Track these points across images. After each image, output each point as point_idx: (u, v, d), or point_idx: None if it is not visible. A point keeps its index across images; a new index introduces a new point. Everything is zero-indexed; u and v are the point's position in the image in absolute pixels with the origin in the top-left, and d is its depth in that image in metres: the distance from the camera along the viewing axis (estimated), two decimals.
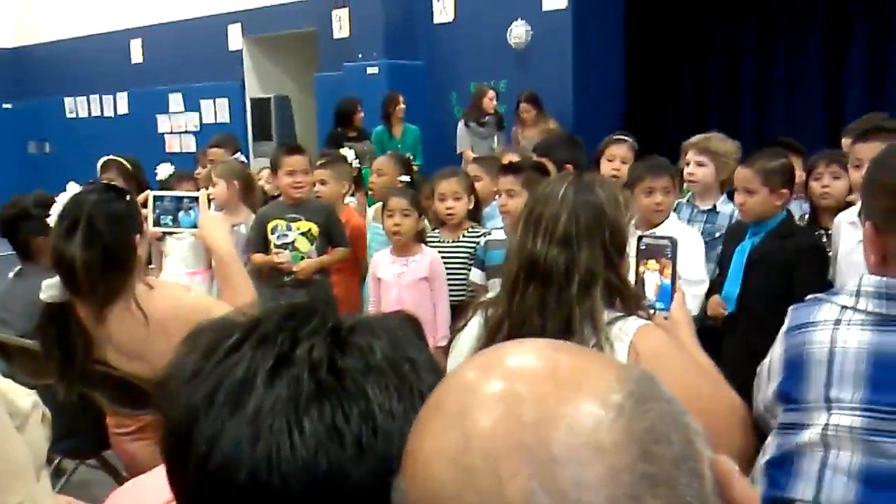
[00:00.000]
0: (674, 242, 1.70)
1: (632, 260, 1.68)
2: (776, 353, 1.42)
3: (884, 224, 1.32)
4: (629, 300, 1.50)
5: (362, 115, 6.92)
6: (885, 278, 1.28)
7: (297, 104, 9.52)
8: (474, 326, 1.59)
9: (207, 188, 3.34)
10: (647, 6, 7.54)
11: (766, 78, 7.26)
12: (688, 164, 3.27)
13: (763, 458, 1.37)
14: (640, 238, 1.73)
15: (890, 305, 1.26)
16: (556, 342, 0.56)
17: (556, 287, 1.46)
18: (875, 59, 6.73)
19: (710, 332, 2.86)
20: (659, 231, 3.00)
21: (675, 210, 3.18)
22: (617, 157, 3.49)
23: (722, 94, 7.53)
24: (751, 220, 2.76)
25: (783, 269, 2.67)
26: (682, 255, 2.88)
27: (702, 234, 3.14)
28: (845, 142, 3.23)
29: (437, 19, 7.81)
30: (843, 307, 1.32)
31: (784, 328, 1.42)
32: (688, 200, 3.36)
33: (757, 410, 1.47)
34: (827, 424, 1.27)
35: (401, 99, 6.87)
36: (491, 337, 1.49)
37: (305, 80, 9.20)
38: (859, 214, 1.41)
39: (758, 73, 7.34)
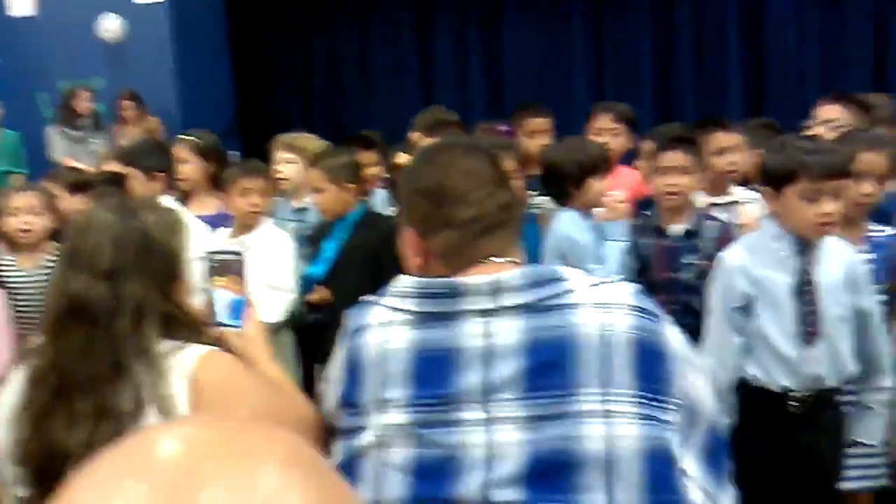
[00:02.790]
0: (241, 256, 1.67)
1: (201, 279, 1.63)
2: (337, 358, 1.45)
3: (425, 229, 1.39)
4: (190, 327, 1.45)
5: None
6: (421, 278, 1.35)
7: None
8: (17, 380, 1.41)
9: None
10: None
11: (367, 72, 7.62)
12: (277, 162, 3.30)
13: None
14: (207, 255, 1.68)
15: (428, 304, 1.33)
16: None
17: (104, 326, 1.35)
18: (460, 54, 7.39)
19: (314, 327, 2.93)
20: (254, 235, 2.99)
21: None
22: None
23: (328, 89, 7.75)
24: (329, 217, 2.86)
25: (370, 260, 2.80)
26: (271, 260, 2.92)
27: (294, 232, 3.19)
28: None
29: (14, 12, 7.01)
30: (391, 308, 1.37)
31: (343, 333, 1.45)
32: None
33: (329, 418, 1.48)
34: (383, 424, 1.31)
35: None
36: (35, 391, 1.34)
37: None
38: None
39: (360, 67, 7.67)
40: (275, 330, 3.04)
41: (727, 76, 7.10)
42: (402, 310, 1.36)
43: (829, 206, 2.11)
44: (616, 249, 2.77)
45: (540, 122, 3.94)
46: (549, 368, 1.27)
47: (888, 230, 2.61)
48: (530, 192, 3.19)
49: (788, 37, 7.01)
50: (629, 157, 3.77)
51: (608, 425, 1.24)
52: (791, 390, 2.19)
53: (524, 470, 1.23)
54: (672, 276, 2.67)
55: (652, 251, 2.76)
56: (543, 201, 3.10)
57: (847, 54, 6.85)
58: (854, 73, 6.68)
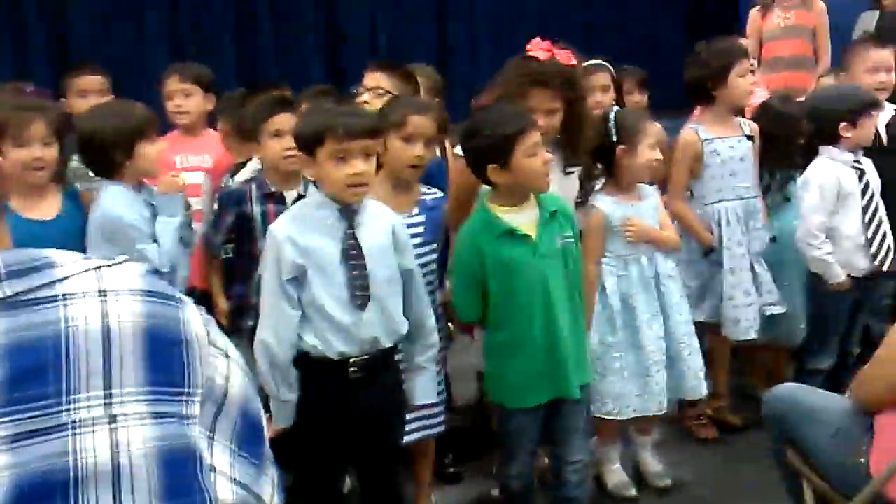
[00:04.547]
0: None
1: None
2: None
3: None
4: None
5: None
6: None
7: None
8: None
9: None
10: None
11: None
12: None
13: None
14: None
15: None
16: None
17: None
18: None
19: None
20: None
21: None
22: None
23: None
24: None
25: None
26: None
27: None
28: None
29: None
30: None
31: None
32: None
33: None
34: None
35: None
36: None
37: None
38: None
39: None
40: None
41: (306, 42, 7.19)
42: None
43: (360, 166, 2.14)
44: (172, 227, 2.56)
45: (92, 81, 3.57)
46: (35, 375, 1.06)
47: (437, 192, 2.76)
48: (74, 161, 2.84)
49: (361, 6, 7.28)
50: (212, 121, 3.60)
51: (115, 431, 1.07)
52: (349, 356, 2.21)
53: (7, 501, 1.02)
54: None
55: (262, 219, 2.69)
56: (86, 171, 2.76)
57: (414, 29, 7.32)
58: (419, 44, 7.16)
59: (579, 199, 2.92)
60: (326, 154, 2.14)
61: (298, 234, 2.17)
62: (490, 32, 7.48)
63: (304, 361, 2.21)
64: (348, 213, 2.20)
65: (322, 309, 2.17)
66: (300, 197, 2.68)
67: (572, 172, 2.84)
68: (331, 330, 2.18)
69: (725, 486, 3.10)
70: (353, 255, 2.19)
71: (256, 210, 2.73)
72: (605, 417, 2.92)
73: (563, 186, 2.76)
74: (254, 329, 2.28)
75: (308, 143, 2.18)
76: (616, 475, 3.07)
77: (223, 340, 1.26)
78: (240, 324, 2.75)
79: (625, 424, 3.06)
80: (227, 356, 1.24)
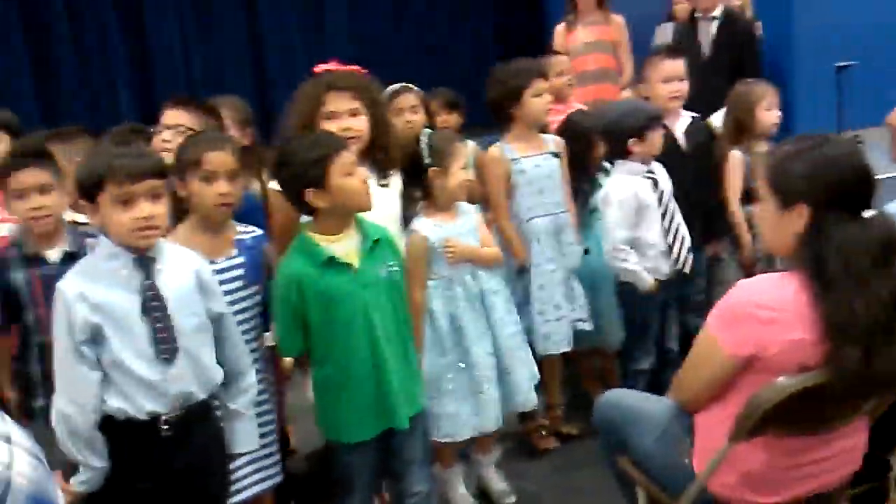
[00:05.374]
0: None
1: None
2: None
3: None
4: None
5: None
6: None
7: None
8: None
9: None
10: None
11: None
12: None
13: None
14: None
15: None
16: None
17: None
18: None
19: None
20: None
21: None
22: None
23: None
24: None
25: None
26: None
27: None
28: None
29: None
30: None
31: None
32: None
33: None
34: None
35: None
36: None
37: None
38: None
39: None
40: None
41: (114, 77, 6.86)
42: None
43: (147, 209, 2.00)
44: None
45: None
46: None
47: (256, 230, 2.62)
48: None
49: (172, 38, 7.03)
50: None
51: None
52: (159, 414, 2.05)
53: None
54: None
55: (27, 286, 2.43)
56: None
57: (227, 55, 7.12)
58: (236, 75, 6.97)
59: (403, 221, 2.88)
60: (109, 199, 1.99)
61: (89, 289, 1.99)
62: (307, 58, 7.40)
63: (111, 424, 2.03)
64: (144, 261, 2.04)
65: (125, 368, 2.00)
66: (68, 255, 2.47)
67: (387, 185, 2.81)
68: (137, 389, 2.01)
69: (565, 495, 3.14)
70: (153, 306, 2.03)
71: (20, 277, 2.46)
72: (444, 441, 2.88)
73: (381, 201, 2.71)
74: (46, 408, 2.09)
75: (87, 189, 2.01)
76: (461, 499, 3.04)
77: (3, 425, 1.10)
78: (29, 404, 2.52)
79: (464, 445, 3.04)
80: (8, 441, 1.09)
